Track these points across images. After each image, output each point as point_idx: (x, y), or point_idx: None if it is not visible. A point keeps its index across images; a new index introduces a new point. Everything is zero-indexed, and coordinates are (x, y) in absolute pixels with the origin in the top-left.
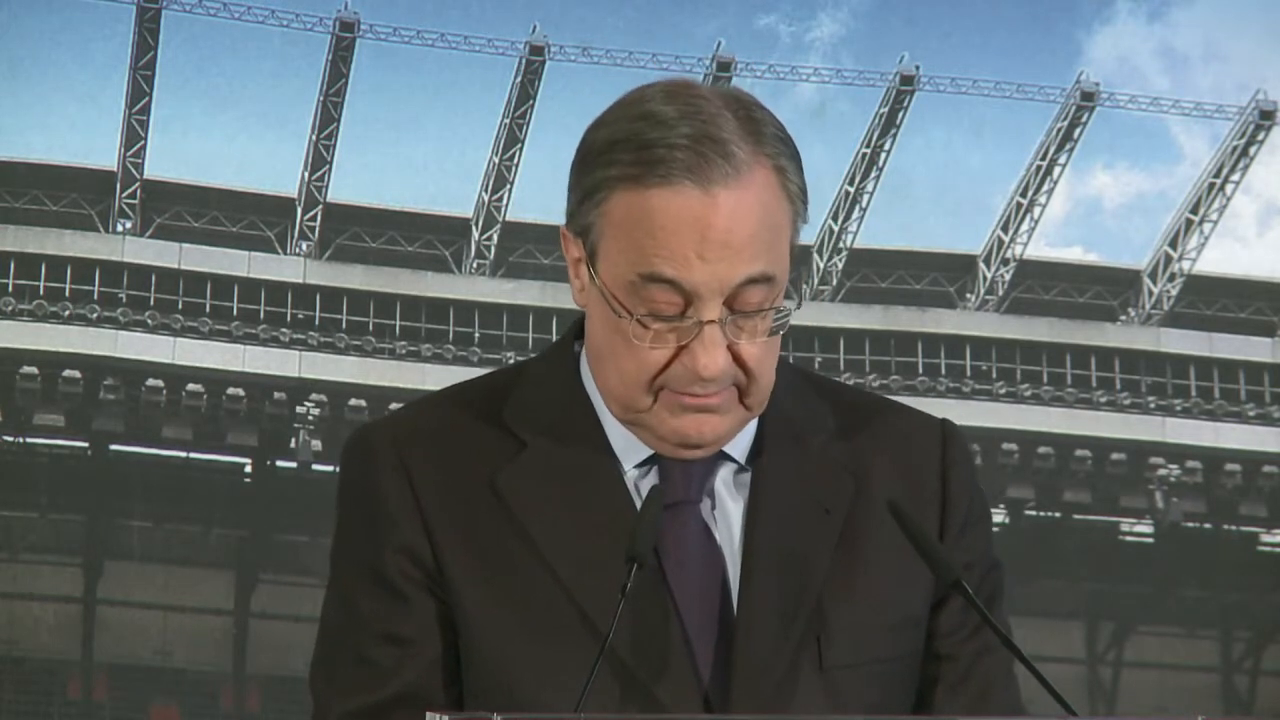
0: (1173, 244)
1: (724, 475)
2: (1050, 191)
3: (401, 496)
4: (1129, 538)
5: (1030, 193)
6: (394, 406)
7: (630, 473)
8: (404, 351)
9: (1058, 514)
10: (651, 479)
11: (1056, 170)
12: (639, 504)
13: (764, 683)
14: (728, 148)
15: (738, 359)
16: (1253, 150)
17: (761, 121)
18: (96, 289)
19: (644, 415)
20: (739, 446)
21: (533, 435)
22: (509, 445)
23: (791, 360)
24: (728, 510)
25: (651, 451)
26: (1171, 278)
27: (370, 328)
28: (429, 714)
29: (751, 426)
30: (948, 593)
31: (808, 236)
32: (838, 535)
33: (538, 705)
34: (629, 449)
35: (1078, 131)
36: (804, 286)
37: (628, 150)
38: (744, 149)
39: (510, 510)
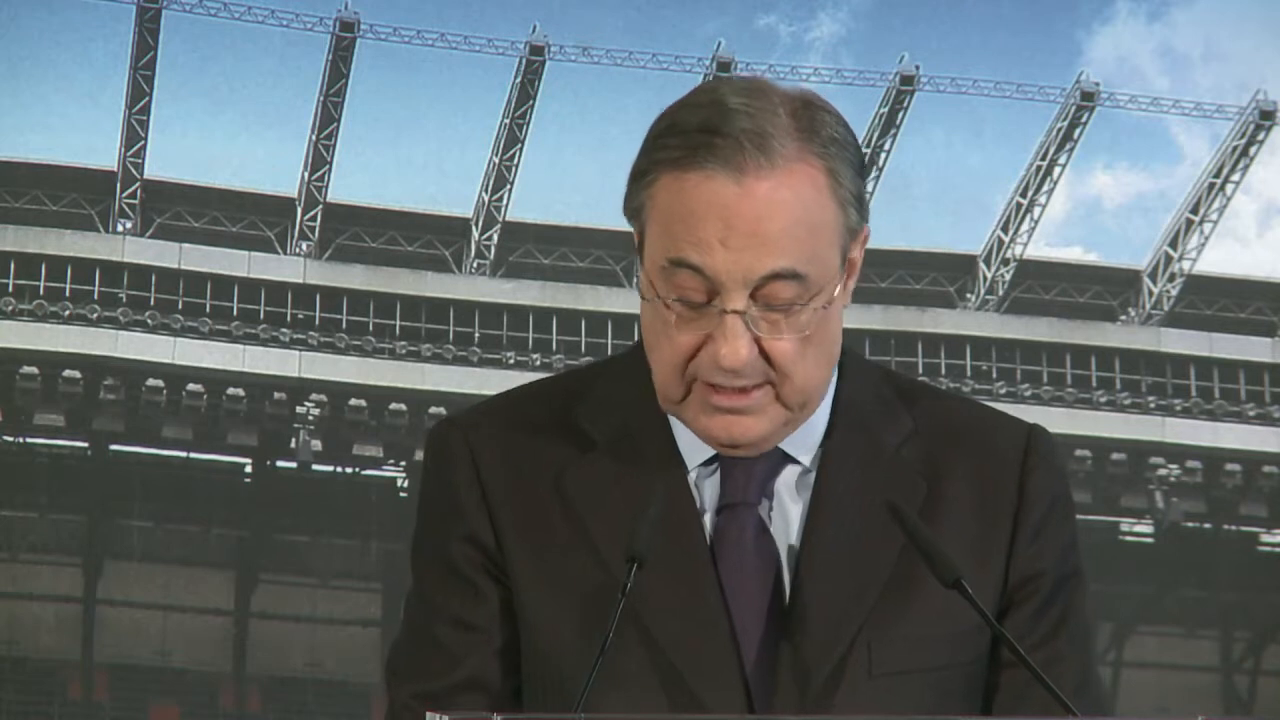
0: (1173, 244)
1: (787, 476)
2: (1050, 191)
3: (470, 488)
4: (1129, 538)
5: (1030, 193)
6: (393, 407)
7: (693, 472)
8: (404, 351)
9: None
10: (715, 479)
11: (1056, 170)
12: (699, 503)
13: (810, 685)
14: (769, 142)
15: (767, 355)
16: (1253, 150)
17: (821, 122)
18: (96, 289)
19: (680, 408)
20: (803, 447)
21: (602, 434)
22: (578, 443)
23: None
24: (787, 511)
25: (715, 451)
26: (1171, 278)
27: (370, 328)
28: (429, 714)
29: (819, 427)
30: (1013, 600)
31: None
32: (901, 539)
33: (589, 701)
34: (694, 449)
35: (1078, 131)
36: None
37: (677, 135)
38: (789, 145)
39: (573, 507)
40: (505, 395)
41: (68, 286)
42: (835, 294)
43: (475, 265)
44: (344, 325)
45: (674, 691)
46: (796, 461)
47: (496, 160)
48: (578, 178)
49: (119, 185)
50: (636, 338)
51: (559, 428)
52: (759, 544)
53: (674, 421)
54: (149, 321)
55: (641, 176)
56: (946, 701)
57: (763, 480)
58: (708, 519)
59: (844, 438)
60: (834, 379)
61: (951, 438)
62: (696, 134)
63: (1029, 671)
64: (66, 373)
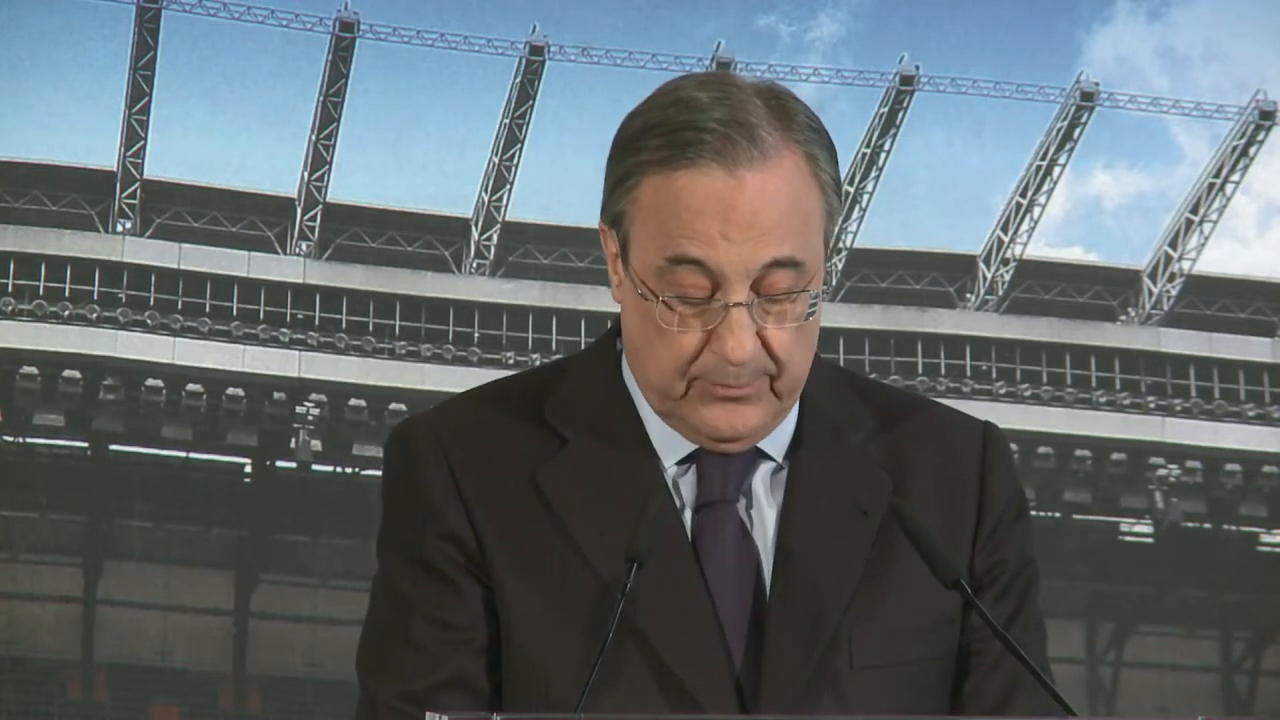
0: (1173, 244)
1: (762, 474)
2: (1050, 191)
3: (445, 488)
4: (1129, 538)
5: (1030, 193)
6: (393, 407)
7: (670, 470)
8: (404, 351)
9: (1058, 514)
10: (691, 477)
11: (1056, 170)
12: (678, 501)
13: (794, 681)
14: (755, 132)
15: (767, 346)
16: (1253, 150)
17: (794, 110)
18: (96, 289)
19: (678, 405)
20: (776, 445)
21: (574, 432)
22: (550, 442)
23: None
24: (764, 508)
25: (691, 449)
26: (1171, 278)
27: (370, 328)
28: (429, 714)
29: (789, 425)
30: (976, 589)
31: None
32: (874, 535)
33: (573, 699)
34: (669, 447)
35: (1078, 131)
36: None
37: (657, 135)
38: (773, 134)
39: (551, 506)
40: (465, 396)
41: (67, 286)
42: (822, 282)
43: (475, 265)
44: (344, 325)
45: (668, 689)
46: (769, 458)
47: (496, 160)
48: (578, 178)
49: (119, 185)
50: (598, 335)
51: (528, 426)
52: (738, 540)
53: (647, 419)
54: (149, 321)
55: (622, 182)
56: (923, 696)
57: (739, 478)
58: (687, 516)
59: (813, 435)
60: None
61: (910, 434)
62: (680, 131)
63: (1027, 670)
64: (66, 373)
